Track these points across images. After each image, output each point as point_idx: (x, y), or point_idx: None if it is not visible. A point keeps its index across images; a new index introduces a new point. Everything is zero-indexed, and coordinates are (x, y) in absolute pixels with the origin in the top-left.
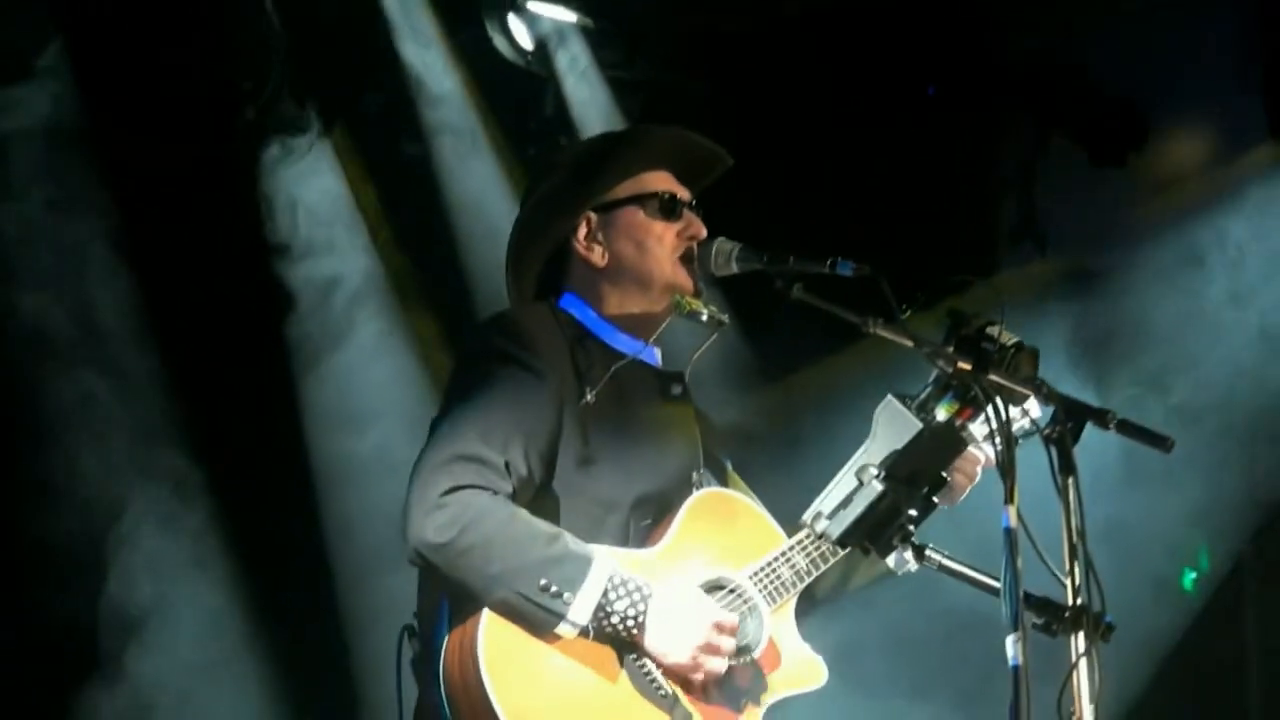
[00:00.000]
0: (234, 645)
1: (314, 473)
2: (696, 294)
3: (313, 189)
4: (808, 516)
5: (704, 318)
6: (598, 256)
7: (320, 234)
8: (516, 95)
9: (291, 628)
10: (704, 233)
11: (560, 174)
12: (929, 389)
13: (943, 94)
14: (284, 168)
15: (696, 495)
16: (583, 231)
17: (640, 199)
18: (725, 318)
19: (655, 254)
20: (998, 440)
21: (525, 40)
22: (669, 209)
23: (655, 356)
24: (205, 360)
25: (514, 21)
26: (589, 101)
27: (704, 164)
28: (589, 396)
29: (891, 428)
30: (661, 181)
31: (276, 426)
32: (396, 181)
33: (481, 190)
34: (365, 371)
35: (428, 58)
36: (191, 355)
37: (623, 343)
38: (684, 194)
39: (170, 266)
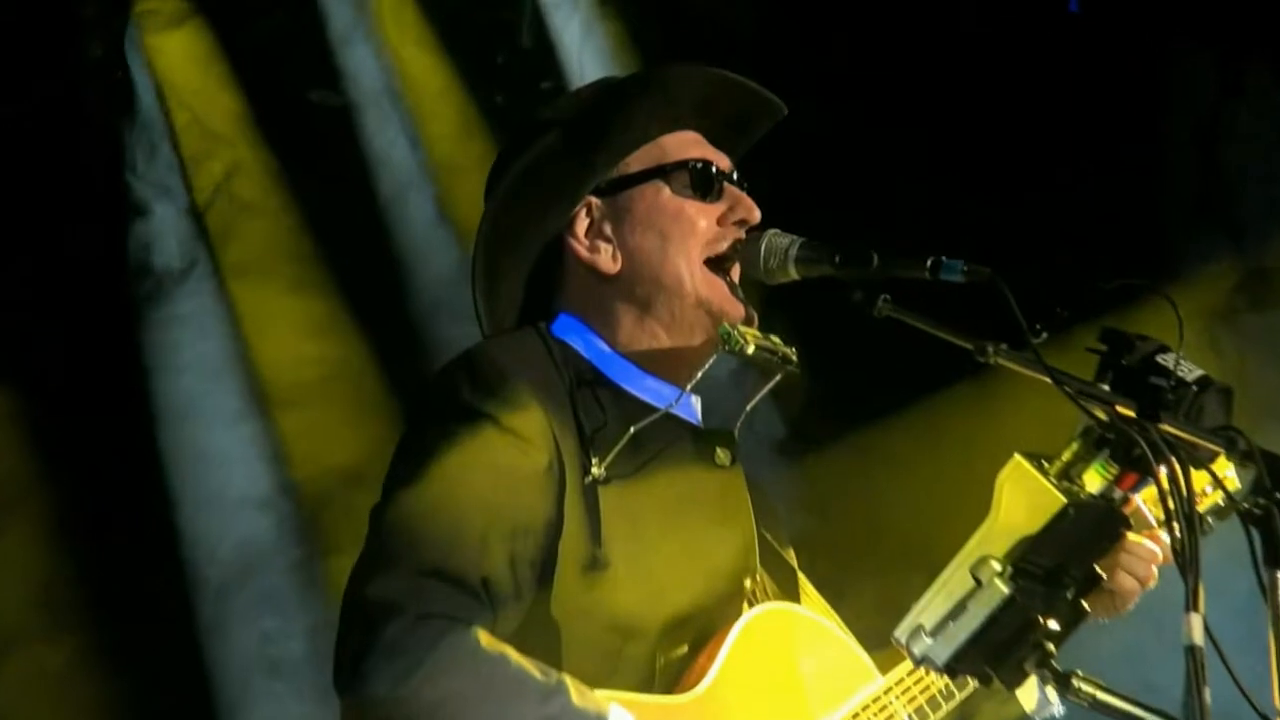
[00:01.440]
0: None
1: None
2: (749, 322)
3: (172, 149)
4: (901, 633)
5: (753, 351)
6: (606, 260)
7: (180, 219)
8: (478, 21)
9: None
10: (757, 214)
11: (547, 139)
12: (1075, 446)
13: (1089, 11)
14: (141, 123)
15: (751, 615)
16: (582, 224)
17: (663, 172)
18: (793, 354)
19: (688, 248)
20: (1176, 519)
21: None
22: (705, 183)
23: (694, 409)
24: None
25: None
26: (581, 29)
27: (745, 117)
28: (598, 470)
29: (1021, 503)
30: (690, 145)
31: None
32: (304, 145)
33: (425, 156)
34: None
35: None
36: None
37: (648, 389)
38: (723, 161)
39: None
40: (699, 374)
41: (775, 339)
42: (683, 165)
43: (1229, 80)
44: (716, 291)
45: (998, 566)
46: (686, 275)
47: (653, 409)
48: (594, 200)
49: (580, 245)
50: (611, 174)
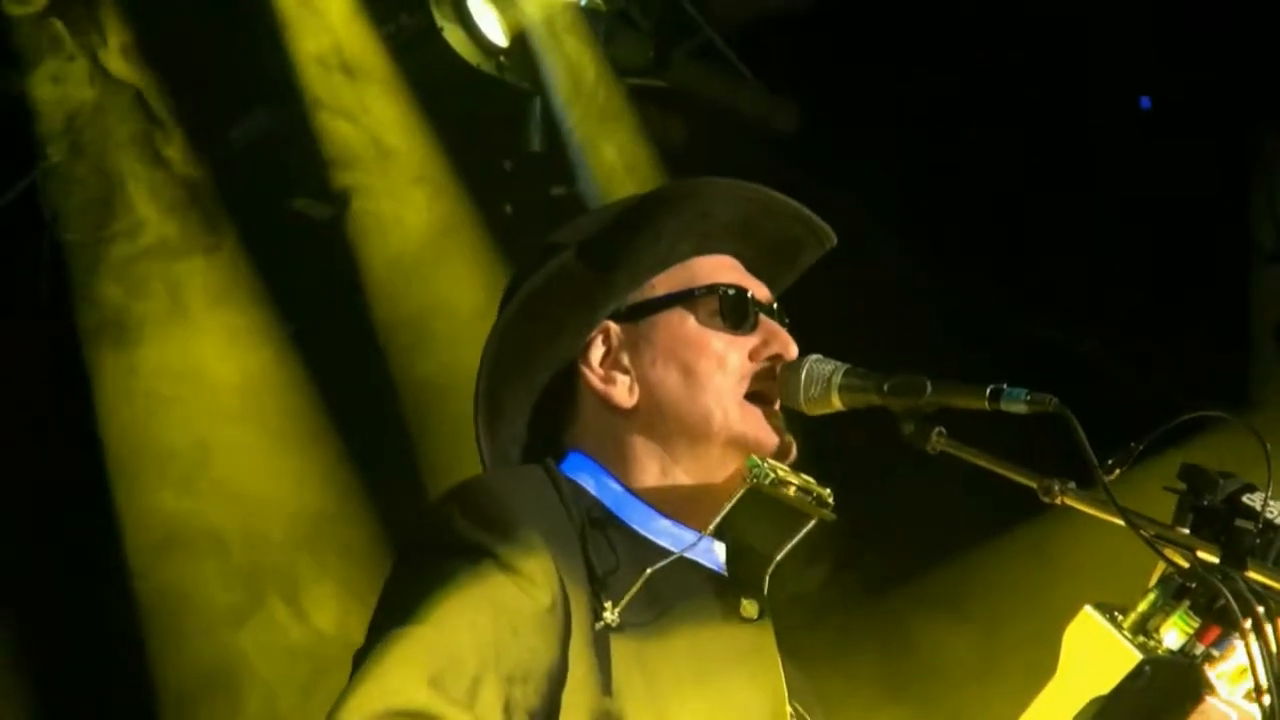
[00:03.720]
0: None
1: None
2: (784, 454)
3: (150, 274)
4: None
5: (793, 493)
6: (622, 392)
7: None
8: (483, 120)
9: None
10: (794, 351)
11: (564, 256)
12: (1152, 596)
13: (1164, 109)
14: (93, 245)
15: None
16: (598, 352)
17: (690, 298)
18: (829, 496)
19: (715, 386)
20: (1265, 680)
21: (496, 33)
22: (737, 313)
23: (716, 556)
24: None
25: (477, 3)
26: (600, 129)
27: (790, 244)
28: (610, 616)
29: (1092, 660)
30: (724, 270)
31: None
32: (286, 262)
33: (427, 274)
34: None
35: (339, 60)
36: None
37: (665, 532)
38: (761, 291)
39: None
40: (721, 515)
41: (809, 478)
42: (712, 291)
43: None
44: (752, 422)
45: None
46: (718, 413)
47: (670, 553)
48: (612, 325)
49: (594, 375)
50: (634, 297)
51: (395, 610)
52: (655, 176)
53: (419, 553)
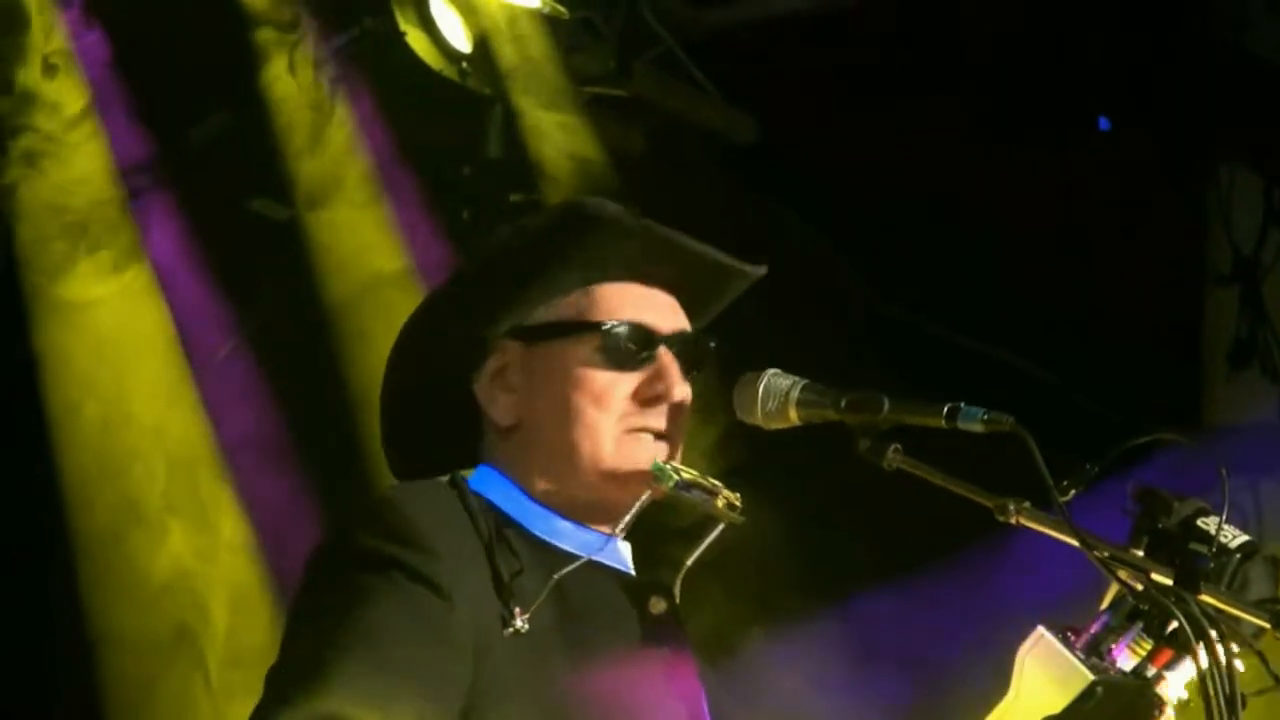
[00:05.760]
0: None
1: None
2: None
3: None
4: None
5: (700, 498)
6: (500, 410)
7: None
8: (444, 125)
9: None
10: (679, 392)
11: (466, 270)
12: (1105, 618)
13: (1121, 129)
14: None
15: None
16: (490, 370)
17: (582, 329)
18: (738, 501)
19: (587, 421)
20: (1216, 700)
21: (458, 38)
22: (625, 350)
23: (623, 557)
24: None
25: (440, 8)
26: (560, 135)
27: (709, 275)
28: (519, 623)
29: (1044, 681)
30: (626, 302)
31: None
32: (242, 264)
33: (380, 277)
34: None
35: (297, 62)
36: None
37: (568, 536)
38: (665, 322)
39: None
40: (627, 519)
41: (717, 482)
42: (602, 326)
43: (1276, 208)
44: (624, 454)
45: None
46: (586, 445)
47: (576, 558)
48: (510, 344)
49: (481, 391)
50: (535, 317)
51: (307, 621)
52: (612, 186)
53: (330, 565)
